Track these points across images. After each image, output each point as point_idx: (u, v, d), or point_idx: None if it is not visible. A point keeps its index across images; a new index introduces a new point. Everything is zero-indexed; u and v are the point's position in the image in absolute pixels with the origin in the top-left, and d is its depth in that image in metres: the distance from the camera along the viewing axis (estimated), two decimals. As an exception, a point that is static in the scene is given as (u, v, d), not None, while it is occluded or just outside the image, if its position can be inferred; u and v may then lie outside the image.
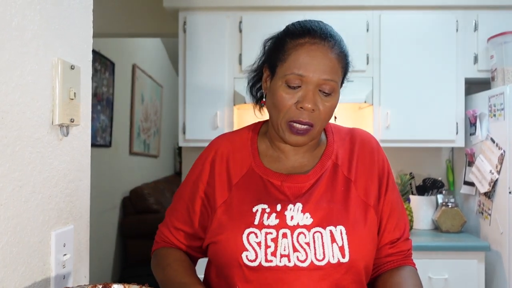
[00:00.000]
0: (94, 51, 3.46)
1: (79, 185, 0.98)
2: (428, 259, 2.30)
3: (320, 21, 0.99)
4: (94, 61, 3.48)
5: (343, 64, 0.97)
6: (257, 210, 0.95)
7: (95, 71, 3.53)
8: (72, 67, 0.91)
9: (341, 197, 0.98)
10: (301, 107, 0.93)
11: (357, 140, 1.06)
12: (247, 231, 0.93)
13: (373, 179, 1.02)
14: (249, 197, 0.98)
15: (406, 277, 0.98)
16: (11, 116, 0.74)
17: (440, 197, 2.78)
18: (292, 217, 0.94)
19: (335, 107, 0.98)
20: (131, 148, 4.51)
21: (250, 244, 0.92)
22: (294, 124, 0.95)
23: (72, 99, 0.91)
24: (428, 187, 2.78)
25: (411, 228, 2.62)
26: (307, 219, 0.94)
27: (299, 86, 0.94)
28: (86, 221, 1.02)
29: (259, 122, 1.11)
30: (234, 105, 2.73)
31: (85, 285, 0.77)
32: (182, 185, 1.11)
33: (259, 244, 0.92)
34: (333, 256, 0.91)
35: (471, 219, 2.68)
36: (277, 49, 0.99)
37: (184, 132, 2.73)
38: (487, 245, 2.35)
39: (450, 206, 2.63)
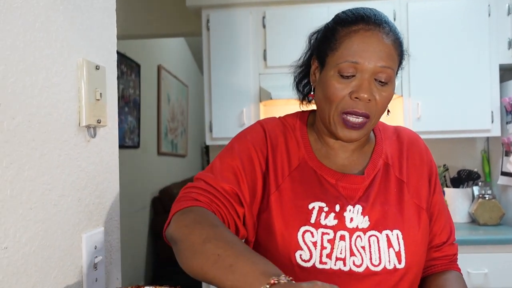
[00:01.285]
0: (119, 53, 3.50)
1: (108, 186, 0.98)
2: (466, 253, 2.22)
3: (373, 8, 0.93)
4: (119, 63, 3.52)
5: (399, 51, 0.91)
6: (313, 208, 0.89)
7: (121, 73, 3.56)
8: (97, 68, 0.90)
9: (395, 199, 0.93)
10: (356, 97, 0.87)
11: (404, 140, 1.01)
12: (302, 228, 0.88)
13: (423, 180, 0.97)
14: (304, 192, 0.91)
15: (451, 282, 0.94)
16: (38, 119, 0.74)
17: (476, 189, 2.68)
18: (351, 219, 0.89)
19: (391, 97, 0.91)
20: (159, 148, 4.55)
21: (306, 243, 0.87)
22: (349, 117, 0.88)
23: (98, 99, 0.90)
24: (463, 179, 2.68)
25: (446, 221, 2.54)
26: (365, 222, 0.89)
27: (353, 75, 0.87)
28: (117, 222, 1.01)
29: (305, 111, 1.04)
30: (260, 101, 2.70)
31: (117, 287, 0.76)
32: (229, 147, 0.96)
33: (314, 244, 0.87)
34: (389, 261, 0.87)
35: (510, 211, 2.57)
36: (327, 39, 0.92)
37: (211, 131, 2.73)
38: (529, 238, 2.25)
39: (487, 198, 2.53)
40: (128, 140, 3.71)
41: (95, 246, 0.90)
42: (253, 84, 2.70)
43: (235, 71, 2.71)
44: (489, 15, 2.58)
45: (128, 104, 3.72)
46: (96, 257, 0.90)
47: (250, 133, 0.98)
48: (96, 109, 0.89)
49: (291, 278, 0.62)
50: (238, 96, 2.70)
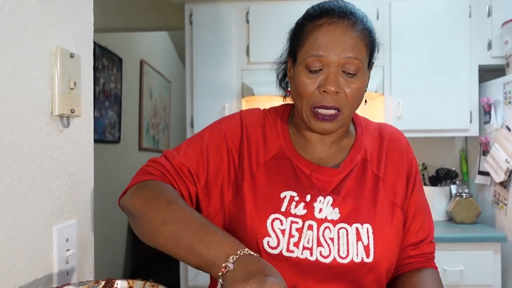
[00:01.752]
0: (101, 47, 3.44)
1: (82, 178, 0.96)
2: (443, 250, 2.25)
3: (341, 0, 0.93)
4: (101, 57, 3.47)
5: (367, 41, 0.90)
6: (285, 197, 0.90)
7: (102, 67, 3.51)
8: (71, 56, 0.88)
9: (369, 194, 0.93)
10: (324, 91, 0.88)
11: (386, 136, 1.01)
12: (272, 216, 0.88)
13: (401, 178, 0.97)
14: (278, 181, 0.92)
15: (427, 279, 0.94)
16: (7, 106, 0.72)
17: (454, 188, 2.72)
18: (320, 210, 0.89)
19: (363, 89, 0.91)
20: (140, 144, 4.50)
21: (274, 231, 0.87)
22: (319, 110, 0.89)
23: (72, 88, 0.88)
24: (441, 177, 2.72)
25: (424, 219, 2.57)
26: (335, 214, 0.89)
27: (321, 69, 0.88)
28: (90, 215, 0.99)
29: (289, 104, 1.04)
30: (243, 97, 2.69)
31: (87, 281, 0.75)
32: (202, 132, 0.99)
33: (283, 232, 0.87)
34: (357, 254, 0.87)
35: (486, 209, 2.62)
36: (296, 35, 0.94)
37: (192, 126, 2.70)
38: (503, 235, 2.29)
39: (464, 197, 2.57)
40: (109, 135, 3.66)
41: (67, 239, 0.88)
42: (235, 80, 2.69)
43: (218, 67, 2.69)
44: (470, 16, 2.61)
45: (109, 98, 3.67)
46: (68, 250, 0.88)
47: (226, 122, 0.99)
48: (70, 98, 0.87)
49: (246, 250, 0.70)
50: (221, 91, 2.68)
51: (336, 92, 0.87)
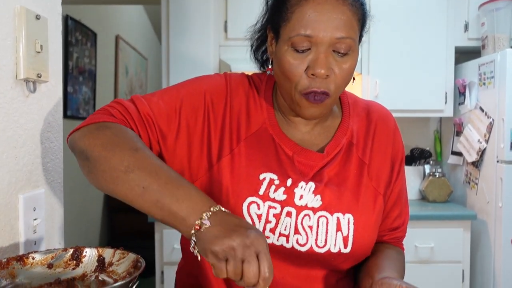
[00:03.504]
0: (74, 20, 3.33)
1: (51, 147, 0.92)
2: (415, 228, 2.29)
3: None
4: (74, 30, 3.36)
5: (359, 15, 0.82)
6: (264, 179, 0.84)
7: (76, 41, 3.40)
8: (37, 17, 0.84)
9: (353, 181, 0.88)
10: (313, 74, 0.79)
11: (374, 118, 0.95)
12: (249, 199, 0.83)
13: (386, 164, 0.93)
14: (258, 160, 0.86)
15: (392, 252, 0.94)
16: (-34, 65, 0.68)
17: (427, 167, 2.77)
18: (301, 196, 0.85)
19: (353, 68, 0.83)
20: (116, 121, 4.41)
21: (250, 215, 0.82)
22: (308, 96, 0.81)
23: (38, 52, 0.84)
24: (415, 157, 2.76)
25: (398, 198, 2.61)
26: (316, 202, 0.85)
27: (309, 49, 0.80)
28: (59, 185, 0.97)
29: (272, 75, 0.94)
30: (220, 74, 2.66)
31: (55, 249, 0.73)
32: (178, 85, 0.90)
33: (259, 216, 0.82)
34: (335, 245, 0.84)
35: (458, 189, 2.68)
36: (279, 8, 0.83)
37: (168, 103, 2.66)
38: (473, 214, 2.35)
39: (437, 176, 2.61)
40: (83, 111, 3.57)
41: (34, 208, 0.85)
42: (212, 56, 2.64)
43: (194, 43, 2.64)
44: (448, -3, 2.62)
45: (83, 74, 3.57)
46: (35, 219, 0.85)
47: (209, 81, 0.90)
48: (36, 62, 0.83)
49: (219, 206, 0.68)
50: (197, 68, 2.64)
51: (327, 76, 0.80)
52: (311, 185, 0.86)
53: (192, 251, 0.68)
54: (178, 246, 2.26)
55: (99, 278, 0.70)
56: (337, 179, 0.88)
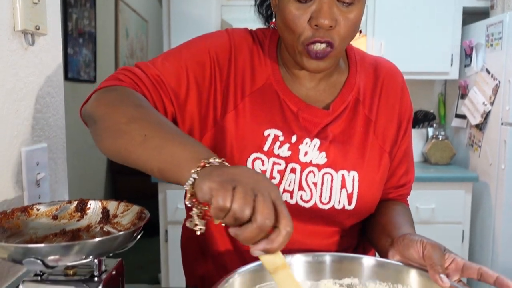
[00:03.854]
0: (72, -21, 3.25)
1: (51, 102, 0.92)
2: (416, 190, 2.28)
3: None
4: (73, -10, 3.28)
5: None
6: (268, 135, 0.83)
7: (74, 2, 3.33)
8: (33, -34, 0.81)
9: (359, 139, 0.87)
10: (316, 25, 0.76)
11: (381, 74, 0.92)
12: (254, 155, 0.82)
13: (392, 121, 0.91)
14: (262, 116, 0.84)
15: (400, 208, 0.94)
16: (-38, 13, 0.66)
17: (430, 130, 2.76)
18: (306, 153, 0.84)
19: (360, 19, 0.79)
20: (117, 85, 4.38)
21: None
22: (312, 47, 0.78)
23: (35, 3, 0.81)
24: (419, 120, 2.74)
25: (400, 161, 2.61)
26: (321, 158, 0.84)
27: None
28: (62, 141, 0.96)
29: (276, 29, 0.90)
30: (222, 35, 2.61)
31: (59, 201, 0.73)
32: (181, 46, 0.87)
33: (264, 172, 0.81)
34: (339, 202, 0.84)
35: (461, 151, 2.67)
36: None
37: (170, 64, 2.62)
38: (475, 176, 2.36)
39: (440, 139, 2.61)
40: (84, 74, 3.54)
41: (37, 162, 0.85)
42: (214, 17, 2.59)
43: (196, 3, 2.58)
44: (457, -46, 2.54)
45: (83, 36, 3.51)
46: (39, 173, 0.85)
47: (211, 38, 0.88)
48: (34, 13, 0.81)
49: (222, 159, 0.59)
50: (199, 29, 2.58)
51: (330, 26, 0.76)
52: (316, 142, 0.85)
53: (185, 194, 0.60)
54: (181, 206, 2.29)
55: (104, 229, 0.70)
56: (343, 136, 0.87)
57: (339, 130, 0.87)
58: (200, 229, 0.57)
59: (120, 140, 0.66)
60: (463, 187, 2.35)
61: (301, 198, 0.83)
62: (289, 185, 0.83)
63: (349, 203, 0.85)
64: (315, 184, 0.84)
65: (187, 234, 1.04)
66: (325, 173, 0.84)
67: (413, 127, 2.74)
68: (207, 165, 0.57)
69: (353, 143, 0.87)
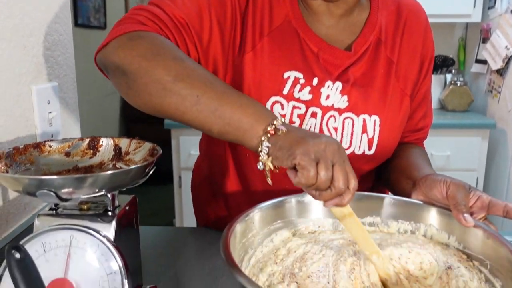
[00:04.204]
0: None
1: (60, 40, 0.89)
2: (432, 136, 2.24)
3: None
4: None
5: None
6: (289, 77, 0.80)
7: None
8: None
9: (381, 82, 0.84)
10: None
11: (404, 12, 0.88)
12: (273, 99, 0.79)
13: (415, 62, 0.88)
14: (282, 57, 0.81)
15: (417, 150, 0.93)
16: None
17: (449, 76, 2.68)
18: (328, 96, 0.81)
19: None
20: (128, 31, 4.31)
21: None
22: None
23: None
24: (438, 65, 2.66)
25: (416, 107, 2.56)
26: (343, 102, 0.82)
27: None
28: (72, 80, 0.95)
29: None
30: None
31: (71, 138, 0.72)
32: None
33: (283, 116, 0.79)
34: (359, 147, 0.83)
35: (479, 98, 2.61)
36: None
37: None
38: (493, 122, 2.31)
39: (458, 85, 2.54)
40: (93, 19, 3.48)
41: (48, 101, 0.84)
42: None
43: None
44: None
45: (92, -20, 3.42)
46: (50, 112, 0.85)
47: None
48: None
49: (283, 120, 0.59)
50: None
51: None
52: (338, 85, 0.82)
53: (261, 161, 0.58)
54: (194, 152, 2.30)
55: (117, 166, 0.70)
56: (364, 79, 0.83)
57: (360, 72, 0.84)
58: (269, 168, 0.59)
59: (168, 101, 0.62)
60: (479, 134, 2.31)
61: None
62: (309, 130, 0.80)
63: (369, 148, 0.83)
64: (335, 129, 0.82)
65: (199, 178, 1.04)
66: (346, 118, 0.82)
67: (432, 72, 2.66)
68: (274, 133, 0.58)
69: (374, 87, 0.84)
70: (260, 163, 0.59)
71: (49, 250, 0.57)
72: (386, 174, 0.93)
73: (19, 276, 0.40)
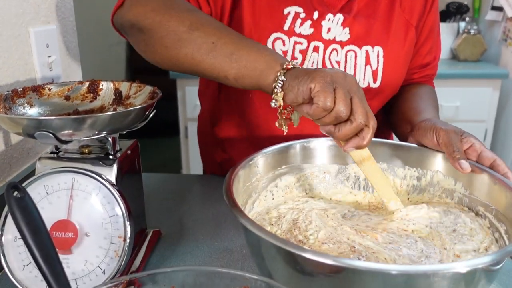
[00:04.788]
0: None
1: (57, -20, 0.86)
2: (441, 87, 2.20)
3: None
4: None
5: None
6: (289, 13, 0.79)
7: None
8: None
9: (384, 12, 0.83)
10: None
11: None
12: (274, 35, 0.79)
13: None
14: None
15: (423, 91, 0.91)
16: None
17: (462, 25, 2.59)
18: (329, 29, 0.80)
19: None
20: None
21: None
22: None
23: None
24: (451, 12, 2.56)
25: (427, 57, 2.49)
26: (344, 35, 0.81)
27: None
28: (72, 24, 0.92)
29: None
30: None
31: (70, 81, 0.71)
32: None
33: (285, 53, 0.78)
34: (364, 79, 0.82)
35: (492, 47, 2.53)
36: None
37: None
38: (506, 72, 2.24)
39: (472, 33, 2.45)
40: (95, -35, 3.36)
41: (47, 44, 0.82)
42: None
43: None
44: None
45: None
46: (50, 56, 0.83)
47: None
48: None
49: (297, 63, 0.60)
50: None
51: None
52: (339, 17, 0.81)
53: (275, 95, 0.58)
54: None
55: (117, 110, 0.69)
56: (367, 10, 0.82)
57: (363, 3, 0.82)
58: (286, 129, 0.62)
59: (184, 50, 0.64)
60: (491, 85, 2.26)
61: None
62: (312, 65, 0.80)
63: (374, 81, 0.83)
64: (338, 62, 0.81)
65: (203, 125, 1.04)
66: (349, 51, 0.81)
67: (444, 20, 2.57)
68: (291, 67, 0.58)
69: (377, 17, 0.83)
70: (274, 101, 0.58)
71: (52, 193, 0.57)
72: (390, 117, 0.92)
73: (19, 215, 0.40)
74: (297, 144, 0.73)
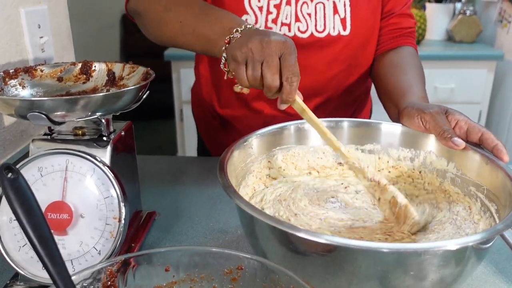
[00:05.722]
0: None
1: (47, -41, 0.84)
2: (436, 68, 2.22)
3: None
4: None
5: None
6: None
7: None
8: None
9: None
10: None
11: None
12: None
13: None
14: None
15: (405, 57, 0.90)
16: None
17: (458, 6, 2.57)
18: None
19: None
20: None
21: (252, 8, 0.84)
22: None
23: None
24: (447, -7, 2.54)
25: (423, 38, 2.48)
26: None
27: None
28: (63, 4, 0.91)
29: None
30: None
31: (63, 62, 0.70)
32: None
33: (260, 8, 0.84)
34: (333, 27, 0.87)
35: (488, 29, 2.52)
36: None
37: None
38: (501, 54, 2.24)
39: (467, 14, 2.44)
40: None
41: (39, 25, 0.81)
42: None
43: None
44: None
45: None
46: (42, 37, 0.82)
47: None
48: None
49: (251, 25, 0.65)
50: None
51: None
52: None
53: (224, 70, 0.66)
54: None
55: (110, 91, 0.68)
56: None
57: None
58: (246, 91, 0.65)
59: (164, 29, 0.74)
60: (486, 66, 2.26)
61: (299, 30, 0.87)
62: (286, 18, 0.86)
63: (344, 28, 0.87)
64: (309, 14, 0.86)
65: (197, 99, 1.06)
66: (318, 3, 0.86)
67: (440, 1, 2.55)
68: (231, 42, 0.63)
69: None
70: (224, 68, 0.65)
71: (46, 174, 0.57)
72: (379, 95, 0.91)
73: (13, 196, 0.40)
74: (291, 126, 0.73)
